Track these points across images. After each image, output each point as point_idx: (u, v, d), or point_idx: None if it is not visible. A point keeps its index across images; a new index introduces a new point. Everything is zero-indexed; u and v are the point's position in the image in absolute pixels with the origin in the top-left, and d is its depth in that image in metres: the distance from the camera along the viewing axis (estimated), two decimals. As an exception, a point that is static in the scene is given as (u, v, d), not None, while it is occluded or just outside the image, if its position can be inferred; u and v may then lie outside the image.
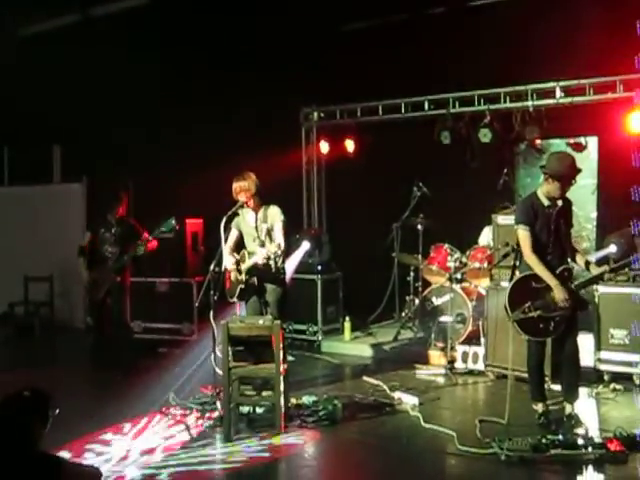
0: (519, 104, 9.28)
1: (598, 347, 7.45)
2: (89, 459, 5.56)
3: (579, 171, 6.07)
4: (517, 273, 6.20)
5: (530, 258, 6.00)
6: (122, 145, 10.97)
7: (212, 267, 6.69)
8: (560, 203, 6.10)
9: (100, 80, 10.54)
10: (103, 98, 10.79)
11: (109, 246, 8.34)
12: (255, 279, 6.98)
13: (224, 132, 10.44)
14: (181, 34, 10.19)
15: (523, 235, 6.06)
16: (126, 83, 10.42)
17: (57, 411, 3.68)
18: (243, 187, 6.90)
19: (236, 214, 7.06)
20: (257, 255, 6.76)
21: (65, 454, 5.43)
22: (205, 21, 10.08)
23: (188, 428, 6.33)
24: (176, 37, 10.18)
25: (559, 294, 5.88)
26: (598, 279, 6.37)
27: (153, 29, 10.19)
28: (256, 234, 7.00)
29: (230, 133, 10.44)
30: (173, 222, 8.07)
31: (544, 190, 6.10)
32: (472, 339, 8.42)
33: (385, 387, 7.42)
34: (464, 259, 8.85)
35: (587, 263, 6.18)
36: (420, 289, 9.39)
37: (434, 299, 8.85)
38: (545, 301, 5.92)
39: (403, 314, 9.83)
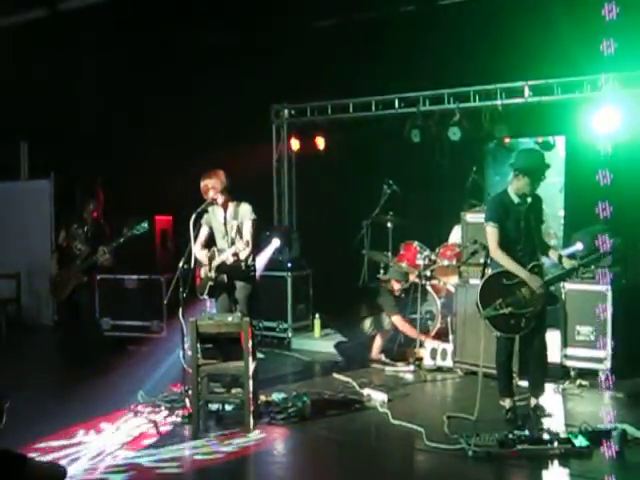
0: (488, 103, 9.35)
1: (564, 343, 7.54)
2: (55, 457, 5.48)
3: (548, 166, 6.14)
4: (488, 270, 6.25)
5: (496, 254, 6.06)
6: (90, 142, 10.86)
7: (181, 264, 6.66)
8: (530, 200, 6.16)
9: (68, 76, 10.43)
10: (71, 94, 10.68)
11: (79, 243, 8.29)
12: (224, 276, 6.97)
13: (195, 129, 10.39)
14: (150, 30, 10.11)
15: (491, 232, 6.12)
16: (94, 79, 10.33)
17: (8, 404, 3.62)
18: (209, 185, 6.89)
19: (206, 211, 7.04)
20: (225, 253, 6.77)
21: (30, 452, 5.37)
22: (174, 17, 10.02)
23: (157, 426, 6.29)
24: (144, 33, 10.10)
25: (533, 282, 5.95)
26: (568, 275, 6.46)
27: (120, 23, 10.09)
28: (225, 231, 7.00)
29: (201, 130, 10.40)
30: (146, 225, 8.00)
31: (514, 187, 6.15)
32: (441, 336, 8.47)
33: (354, 384, 7.45)
34: (433, 256, 8.89)
35: (560, 257, 6.27)
36: (390, 286, 9.41)
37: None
38: (516, 298, 5.97)
39: (373, 311, 9.84)
